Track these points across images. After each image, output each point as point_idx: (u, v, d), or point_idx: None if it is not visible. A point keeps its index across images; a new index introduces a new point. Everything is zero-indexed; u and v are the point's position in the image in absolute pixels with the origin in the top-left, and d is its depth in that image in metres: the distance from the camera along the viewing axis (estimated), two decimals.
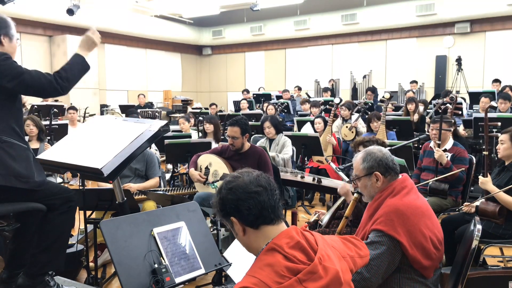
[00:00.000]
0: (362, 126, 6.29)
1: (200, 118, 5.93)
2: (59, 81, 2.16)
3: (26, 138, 4.96)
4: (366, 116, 6.08)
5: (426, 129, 6.18)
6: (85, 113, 9.15)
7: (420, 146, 4.68)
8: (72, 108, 7.67)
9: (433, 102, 8.06)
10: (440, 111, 4.43)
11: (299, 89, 11.50)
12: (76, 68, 2.26)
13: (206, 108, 10.35)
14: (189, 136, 5.32)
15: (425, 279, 1.91)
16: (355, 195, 2.42)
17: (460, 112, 4.87)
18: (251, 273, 1.27)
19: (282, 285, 1.22)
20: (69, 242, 2.94)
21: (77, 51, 2.34)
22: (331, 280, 1.29)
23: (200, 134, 5.60)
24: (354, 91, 12.53)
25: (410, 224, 1.87)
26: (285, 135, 5.00)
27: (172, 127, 7.38)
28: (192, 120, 6.67)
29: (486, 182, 3.01)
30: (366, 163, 2.06)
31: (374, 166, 2.04)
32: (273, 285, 1.22)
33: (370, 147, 2.17)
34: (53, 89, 2.16)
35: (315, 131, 5.69)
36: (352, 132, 6.21)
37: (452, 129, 4.04)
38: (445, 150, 3.86)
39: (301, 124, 6.37)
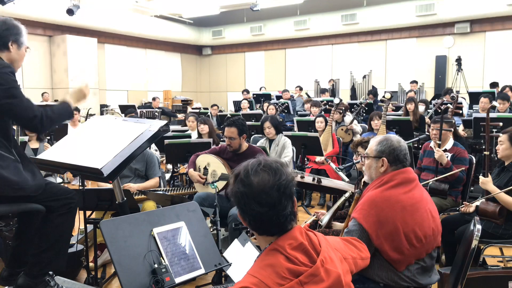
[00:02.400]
0: (355, 125, 6.30)
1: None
2: (43, 120, 2.15)
3: (26, 138, 5.01)
4: (365, 115, 6.08)
5: (426, 129, 6.18)
6: (87, 114, 9.14)
7: (420, 146, 4.68)
8: (75, 108, 7.67)
9: (433, 102, 8.06)
10: (440, 111, 4.43)
11: (301, 89, 11.48)
12: (63, 114, 2.31)
13: (206, 108, 10.35)
14: (189, 136, 5.32)
15: (397, 270, 1.96)
16: (356, 195, 2.42)
17: (460, 112, 4.88)
18: (252, 273, 1.26)
19: (283, 287, 1.21)
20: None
21: (67, 99, 2.38)
22: (332, 283, 1.28)
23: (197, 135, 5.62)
24: (353, 91, 12.53)
25: (382, 215, 1.93)
26: (285, 135, 5.00)
27: (171, 127, 7.39)
28: (191, 123, 6.67)
29: (486, 182, 3.01)
30: (380, 147, 2.12)
31: (385, 152, 2.09)
32: (274, 286, 1.21)
33: (391, 135, 2.23)
34: (33, 126, 2.16)
35: (316, 131, 5.69)
36: (349, 134, 6.22)
37: (452, 130, 4.04)
38: (445, 150, 3.86)
39: (301, 124, 6.37)
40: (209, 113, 8.95)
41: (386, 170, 2.09)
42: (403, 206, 1.96)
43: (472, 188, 4.08)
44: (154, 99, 11.98)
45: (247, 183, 1.30)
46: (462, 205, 3.24)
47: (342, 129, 6.31)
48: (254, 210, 1.28)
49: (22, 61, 2.33)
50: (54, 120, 2.23)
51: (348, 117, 6.73)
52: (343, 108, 6.72)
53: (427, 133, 5.25)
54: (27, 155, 2.34)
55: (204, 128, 5.29)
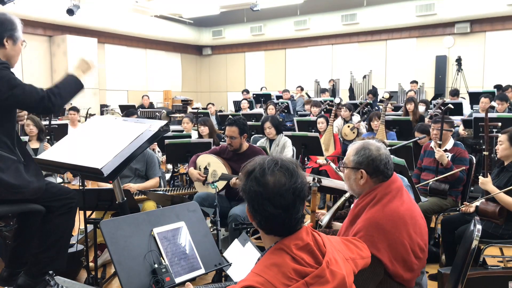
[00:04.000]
0: (363, 127, 6.32)
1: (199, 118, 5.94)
2: (51, 98, 2.11)
3: (26, 138, 5.01)
4: (367, 116, 6.11)
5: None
6: (87, 114, 9.15)
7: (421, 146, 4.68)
8: (73, 109, 7.68)
9: (433, 102, 8.05)
10: (440, 111, 4.44)
11: (302, 89, 11.48)
12: (70, 86, 2.23)
13: (205, 108, 10.36)
14: (189, 136, 5.32)
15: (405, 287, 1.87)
16: (313, 187, 2.38)
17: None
18: (257, 272, 1.25)
19: (289, 287, 1.21)
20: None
21: (71, 72, 2.30)
22: (337, 285, 1.27)
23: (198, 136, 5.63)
24: (351, 91, 12.51)
25: (391, 238, 1.79)
26: (285, 135, 5.00)
27: (172, 127, 7.39)
28: (186, 125, 6.68)
29: (486, 182, 3.00)
30: (357, 157, 1.95)
31: (363, 163, 1.92)
32: (280, 287, 1.20)
33: (371, 141, 2.05)
34: (43, 106, 2.11)
35: (318, 131, 5.70)
36: (354, 132, 6.23)
37: (453, 130, 4.04)
38: (445, 150, 3.86)
39: (301, 124, 6.39)
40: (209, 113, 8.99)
41: (366, 183, 1.93)
42: (405, 221, 1.83)
43: (472, 188, 4.08)
44: (143, 97, 11.73)
45: (262, 182, 1.27)
46: (463, 205, 3.24)
47: (348, 126, 6.34)
48: (267, 211, 1.26)
49: (18, 56, 2.28)
50: (63, 95, 2.16)
51: (356, 117, 6.79)
52: (344, 106, 6.76)
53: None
54: (30, 154, 2.33)
55: (204, 130, 5.30)
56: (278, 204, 1.26)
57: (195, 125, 6.45)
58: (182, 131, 6.21)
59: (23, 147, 2.28)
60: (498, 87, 8.92)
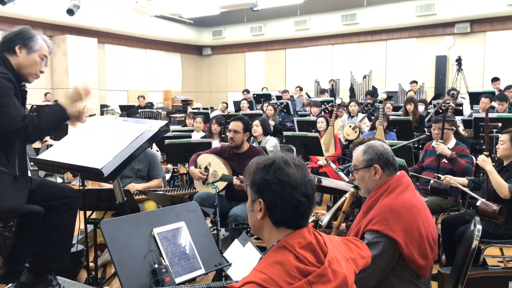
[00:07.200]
0: (366, 126, 6.32)
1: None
2: (28, 129, 2.02)
3: None
4: (372, 116, 6.11)
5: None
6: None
7: (421, 146, 4.68)
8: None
9: (434, 102, 8.05)
10: (441, 111, 4.42)
11: (301, 89, 11.49)
12: (52, 118, 2.15)
13: (205, 108, 10.35)
14: (189, 136, 5.33)
15: (417, 280, 1.89)
16: (352, 189, 2.41)
17: (461, 108, 4.87)
18: (260, 269, 1.25)
19: (292, 286, 1.21)
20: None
21: (61, 102, 2.25)
22: (339, 284, 1.28)
23: (204, 134, 5.65)
24: (352, 91, 12.51)
25: (406, 222, 1.85)
26: (285, 135, 4.99)
27: (172, 127, 7.39)
28: (191, 120, 6.70)
29: (487, 161, 3.01)
30: (367, 155, 2.05)
31: (374, 159, 2.03)
32: (283, 285, 1.21)
33: (372, 141, 2.16)
34: (17, 136, 2.05)
35: (317, 131, 5.71)
36: (356, 132, 6.23)
37: (454, 129, 4.04)
38: None
39: (301, 124, 6.39)
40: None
41: (381, 177, 2.03)
42: (418, 210, 1.90)
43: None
44: (138, 98, 11.75)
45: (288, 172, 1.32)
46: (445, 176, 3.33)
47: (350, 126, 6.34)
48: (296, 199, 1.30)
49: (33, 68, 2.22)
50: (42, 127, 2.08)
51: (360, 115, 6.79)
52: (352, 101, 6.78)
53: (427, 133, 5.25)
54: (27, 172, 2.29)
55: (217, 129, 5.36)
56: (304, 192, 1.31)
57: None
58: (182, 131, 6.21)
59: (24, 162, 2.23)
60: (494, 79, 8.88)
